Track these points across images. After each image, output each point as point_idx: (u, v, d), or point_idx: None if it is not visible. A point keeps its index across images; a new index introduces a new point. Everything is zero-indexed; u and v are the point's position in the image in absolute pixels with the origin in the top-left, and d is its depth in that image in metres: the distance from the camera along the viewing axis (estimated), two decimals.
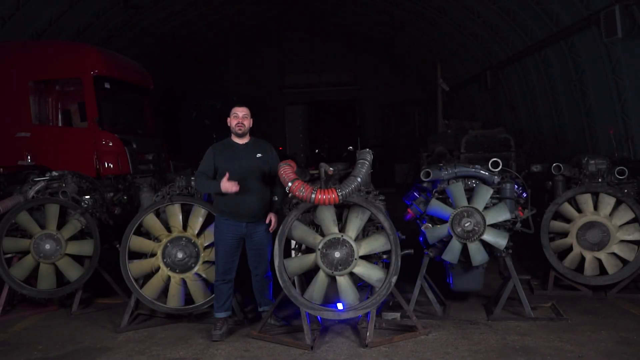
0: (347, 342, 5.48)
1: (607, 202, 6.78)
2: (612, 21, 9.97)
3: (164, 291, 6.11)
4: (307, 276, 5.76)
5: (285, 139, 26.73)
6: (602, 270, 6.78)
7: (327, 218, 5.46)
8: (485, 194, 5.93)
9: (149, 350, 5.41)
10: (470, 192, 6.09)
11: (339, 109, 28.06)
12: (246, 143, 5.74)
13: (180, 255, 6.02)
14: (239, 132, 5.68)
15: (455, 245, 5.87)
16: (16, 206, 6.64)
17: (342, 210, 5.62)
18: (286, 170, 5.25)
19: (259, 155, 5.67)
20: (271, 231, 5.69)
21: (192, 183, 6.25)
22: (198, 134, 21.09)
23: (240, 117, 5.66)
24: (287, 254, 5.70)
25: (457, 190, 6.01)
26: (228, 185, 5.40)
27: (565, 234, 6.93)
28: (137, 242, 6.13)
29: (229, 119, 5.70)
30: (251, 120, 5.73)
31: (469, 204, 5.92)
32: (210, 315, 6.04)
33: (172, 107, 22.33)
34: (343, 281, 5.41)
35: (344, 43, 26.20)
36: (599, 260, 6.78)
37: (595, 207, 6.85)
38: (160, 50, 20.43)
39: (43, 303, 6.86)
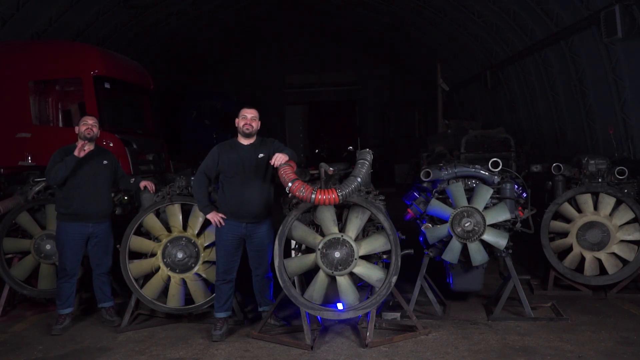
0: (347, 342, 5.48)
1: (607, 202, 6.79)
2: (612, 21, 9.97)
3: (164, 291, 6.12)
4: (307, 276, 5.77)
5: (285, 139, 26.73)
6: (602, 270, 6.78)
7: (327, 218, 5.46)
8: (485, 194, 5.94)
9: (149, 350, 5.42)
10: (470, 192, 6.09)
11: (339, 109, 28.03)
12: (251, 144, 5.73)
13: (180, 255, 6.03)
14: (247, 131, 5.67)
15: (455, 245, 5.87)
16: (17, 206, 6.65)
17: (342, 210, 5.62)
18: (286, 171, 5.25)
19: (260, 155, 5.66)
20: (275, 164, 5.45)
21: (192, 183, 6.25)
22: (198, 134, 21.11)
23: (248, 118, 5.67)
24: (287, 254, 5.71)
25: (457, 190, 6.01)
26: (215, 218, 5.64)
27: (565, 234, 6.93)
28: (137, 242, 6.13)
29: (236, 120, 5.71)
30: (259, 122, 5.74)
31: (469, 204, 5.92)
32: (210, 315, 6.04)
33: (172, 107, 22.33)
34: (343, 281, 5.41)
35: (344, 43, 26.20)
36: (599, 260, 6.78)
37: (595, 207, 6.85)
38: (160, 50, 20.43)
39: (43, 303, 6.87)
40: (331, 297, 5.63)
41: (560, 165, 7.02)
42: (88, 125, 6.05)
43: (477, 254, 5.85)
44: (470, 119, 19.57)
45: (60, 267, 6.05)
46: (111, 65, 11.24)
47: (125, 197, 7.13)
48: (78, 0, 13.84)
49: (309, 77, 27.20)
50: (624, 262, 6.71)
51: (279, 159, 5.36)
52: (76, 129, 6.11)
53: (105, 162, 6.16)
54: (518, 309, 6.18)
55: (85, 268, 6.44)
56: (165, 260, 6.05)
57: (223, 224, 5.65)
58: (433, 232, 6.00)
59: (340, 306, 5.49)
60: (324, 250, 5.38)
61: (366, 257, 5.51)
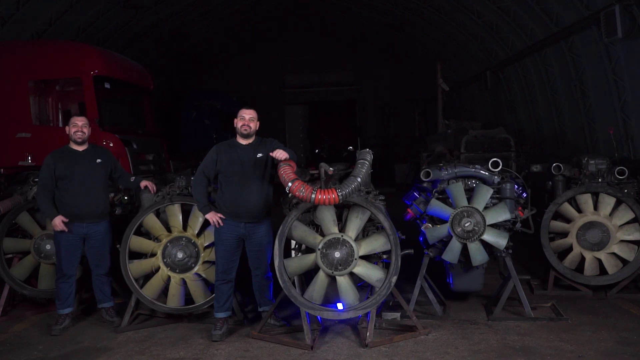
0: (347, 342, 5.48)
1: (607, 202, 6.79)
2: (612, 21, 9.98)
3: (164, 291, 6.12)
4: (307, 276, 5.77)
5: (285, 139, 26.74)
6: (602, 270, 6.78)
7: (327, 218, 5.46)
8: (485, 194, 5.93)
9: (149, 350, 5.42)
10: (470, 192, 6.09)
11: (339, 109, 28.06)
12: (250, 144, 5.74)
13: (180, 255, 6.03)
14: (245, 132, 5.69)
15: (455, 245, 5.87)
16: (17, 207, 6.65)
17: (342, 210, 5.62)
18: (286, 170, 5.25)
19: (259, 155, 5.67)
20: (275, 155, 5.47)
21: (192, 182, 6.25)
22: (198, 134, 21.13)
23: (247, 119, 5.68)
24: (287, 254, 5.71)
25: (457, 190, 6.01)
26: (214, 218, 5.64)
27: (565, 234, 6.93)
28: (137, 242, 6.13)
29: (235, 120, 5.73)
30: (258, 123, 5.76)
31: (469, 204, 5.92)
32: (210, 315, 6.04)
33: (172, 107, 22.34)
34: (343, 281, 5.41)
35: (344, 43, 26.22)
36: (599, 260, 6.78)
37: (595, 207, 6.85)
38: (160, 50, 20.44)
39: (43, 303, 6.87)
40: (331, 297, 5.63)
41: (560, 165, 7.02)
42: (78, 127, 6.01)
43: (477, 254, 5.85)
44: (470, 119, 19.56)
45: (57, 267, 6.05)
46: (111, 65, 11.23)
47: (125, 197, 7.13)
48: (78, 0, 13.84)
49: (308, 77, 27.22)
50: (624, 262, 6.71)
51: (278, 153, 5.38)
52: (67, 129, 6.08)
53: (99, 160, 6.10)
54: (518, 309, 6.18)
55: (85, 268, 6.44)
56: (165, 260, 6.05)
57: (222, 224, 5.65)
58: (433, 232, 6.00)
59: (340, 306, 5.49)
60: (324, 250, 5.38)
61: (366, 257, 5.51)
